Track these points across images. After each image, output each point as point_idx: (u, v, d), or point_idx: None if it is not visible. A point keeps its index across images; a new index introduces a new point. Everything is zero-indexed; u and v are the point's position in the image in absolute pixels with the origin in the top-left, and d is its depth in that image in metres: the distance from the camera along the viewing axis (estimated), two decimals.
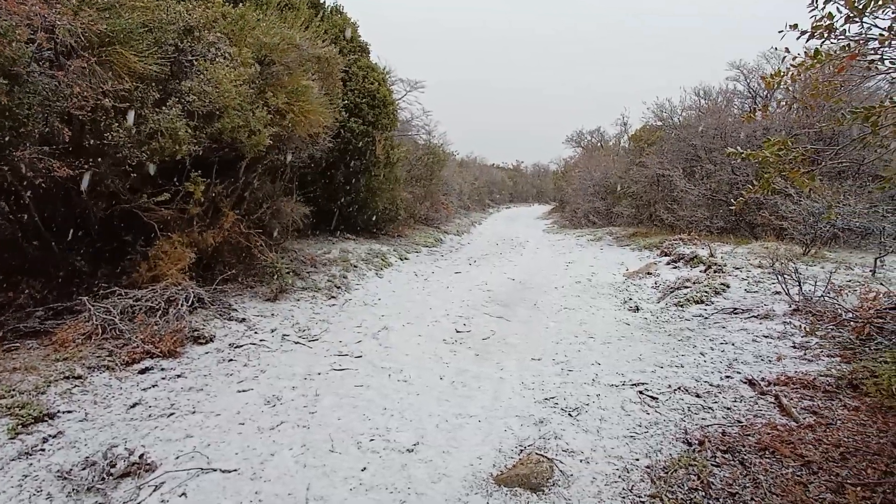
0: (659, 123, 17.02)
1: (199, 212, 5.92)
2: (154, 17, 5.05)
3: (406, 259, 10.71)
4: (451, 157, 21.08)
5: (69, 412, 3.47)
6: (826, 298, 5.55)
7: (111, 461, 3.02)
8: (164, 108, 4.97)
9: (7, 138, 4.08)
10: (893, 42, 2.29)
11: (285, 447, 3.39)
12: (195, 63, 5.33)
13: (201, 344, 4.74)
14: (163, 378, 4.12)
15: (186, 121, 5.09)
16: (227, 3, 6.76)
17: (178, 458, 3.17)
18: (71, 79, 4.29)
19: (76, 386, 3.73)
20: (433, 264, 10.94)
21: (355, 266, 8.65)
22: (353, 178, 11.13)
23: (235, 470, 3.09)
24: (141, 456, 3.07)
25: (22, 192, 4.57)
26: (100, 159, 4.73)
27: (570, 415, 3.80)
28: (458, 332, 5.98)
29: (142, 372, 4.10)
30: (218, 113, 5.52)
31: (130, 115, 4.60)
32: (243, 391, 4.15)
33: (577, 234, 17.74)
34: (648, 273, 8.74)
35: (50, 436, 3.21)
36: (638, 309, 6.79)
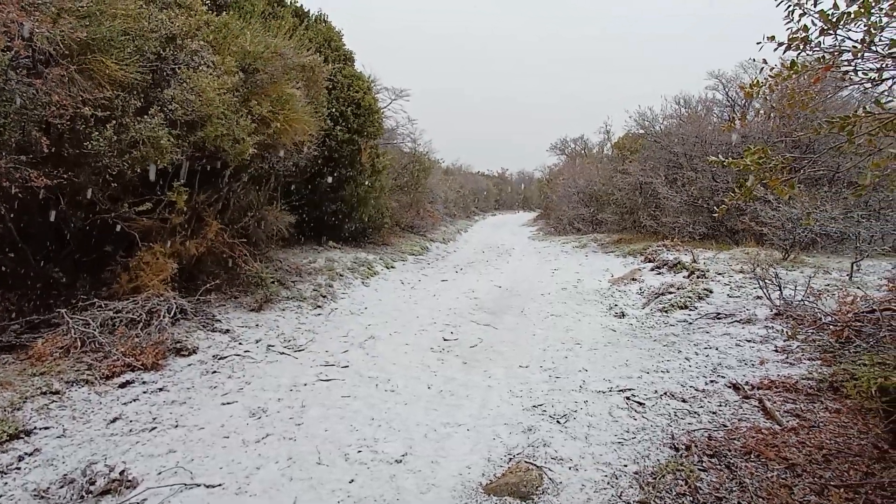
0: (641, 131, 17.30)
1: (182, 221, 5.83)
2: (136, 25, 5.00)
3: (392, 267, 10.67)
4: (436, 165, 21.14)
5: (46, 428, 3.37)
6: (806, 303, 5.66)
7: (90, 478, 2.93)
8: (145, 116, 4.90)
9: None
10: (866, 54, 2.36)
11: (271, 460, 3.33)
12: (178, 71, 5.28)
13: (184, 356, 4.65)
14: (144, 392, 4.03)
15: (169, 130, 5.03)
16: (210, 12, 6.72)
17: (160, 473, 3.09)
18: (49, 87, 4.22)
19: (53, 401, 3.63)
20: (419, 272, 10.92)
21: (341, 275, 8.59)
22: (339, 187, 11.08)
23: (220, 484, 3.02)
24: (122, 472, 2.99)
25: None
26: (79, 169, 4.64)
27: (558, 422, 3.80)
28: (445, 340, 5.96)
29: (122, 386, 4.00)
30: (201, 121, 5.46)
31: (111, 125, 4.52)
32: (227, 403, 4.08)
33: (563, 241, 17.88)
34: (633, 279, 8.84)
35: (26, 453, 3.10)
36: (623, 315, 6.85)
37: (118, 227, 5.35)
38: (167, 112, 5.08)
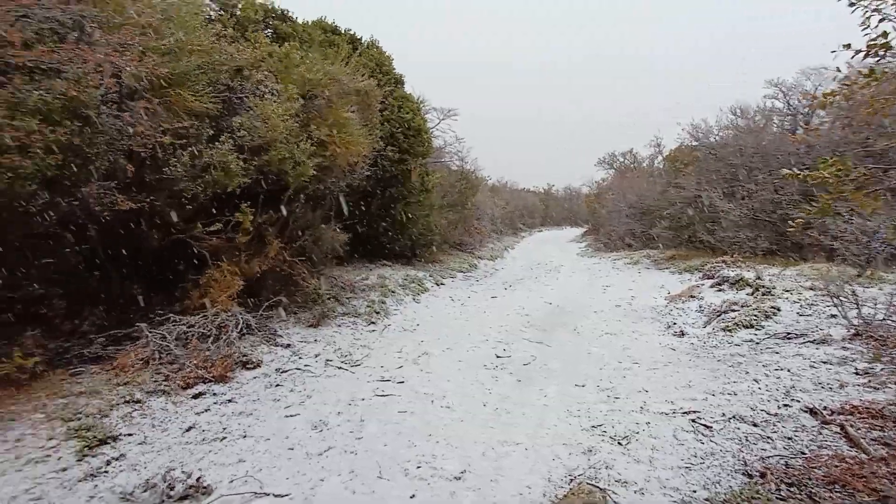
0: (695, 143, 16.75)
1: (246, 240, 6.15)
2: (209, 59, 5.39)
3: (442, 284, 10.77)
4: (483, 183, 21.23)
5: (130, 435, 3.61)
6: (889, 322, 5.26)
7: (170, 484, 3.10)
8: (216, 143, 5.25)
9: (76, 175, 4.38)
10: None
11: (334, 473, 3.42)
12: (245, 100, 5.63)
13: (249, 369, 4.87)
14: (215, 402, 4.24)
15: (237, 154, 5.35)
16: (272, 43, 7.15)
17: (232, 481, 3.24)
18: (135, 119, 4.60)
19: (136, 410, 3.89)
20: (469, 289, 10.95)
21: (393, 292, 8.76)
22: (390, 205, 11.35)
23: (287, 494, 3.13)
24: (198, 479, 3.15)
25: (87, 225, 4.87)
26: (158, 193, 5.01)
27: (619, 443, 3.70)
28: (498, 357, 5.94)
29: (195, 396, 4.24)
30: (266, 146, 5.78)
31: (187, 151, 4.87)
32: (291, 416, 4.23)
33: (613, 258, 17.45)
34: (692, 296, 8.50)
35: (113, 458, 3.33)
36: (683, 334, 6.59)
37: (190, 247, 5.71)
38: (236, 138, 5.42)
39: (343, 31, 11.25)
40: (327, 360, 5.50)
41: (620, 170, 32.91)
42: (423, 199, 12.08)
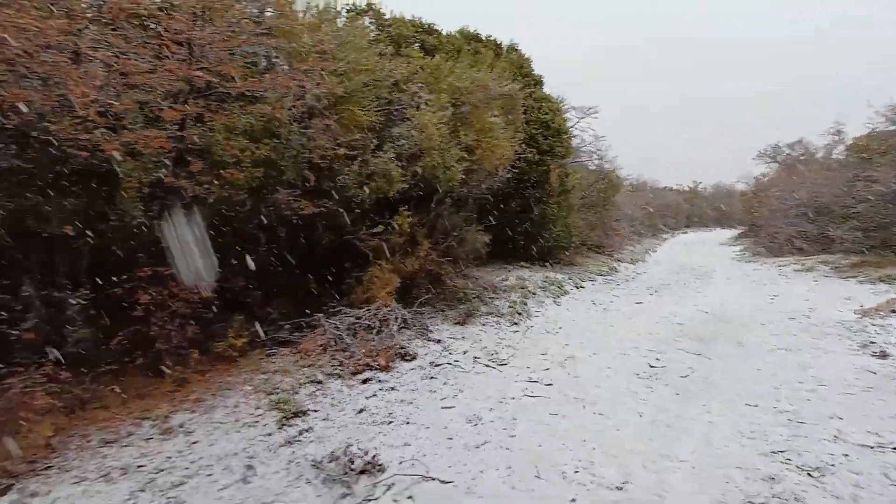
0: (892, 128, 13.98)
1: (401, 241, 6.63)
2: (373, 76, 5.93)
3: (582, 287, 10.48)
4: (623, 182, 20.12)
5: (315, 411, 4.14)
6: None
7: (350, 458, 3.49)
8: (379, 152, 5.75)
9: (270, 184, 5.14)
10: None
11: (492, 467, 3.54)
12: (404, 112, 6.08)
13: (407, 361, 5.26)
14: (380, 389, 4.66)
15: (396, 163, 5.80)
16: (424, 56, 7.61)
17: (401, 463, 3.53)
18: (316, 134, 5.26)
19: (318, 389, 4.44)
20: (610, 293, 10.49)
21: (533, 293, 8.76)
22: (528, 207, 11.36)
23: (452, 482, 3.32)
24: (373, 457, 3.50)
25: (276, 227, 5.67)
26: (331, 198, 5.64)
27: (810, 475, 3.27)
28: (651, 367, 5.61)
29: (364, 382, 4.70)
30: (420, 153, 6.18)
31: (356, 161, 5.42)
32: (446, 408, 4.47)
33: (779, 263, 15.36)
34: (893, 311, 7.15)
35: (304, 430, 3.85)
36: (886, 355, 5.57)
37: (353, 247, 6.34)
38: (395, 147, 5.88)
39: (484, 38, 11.54)
40: (475, 358, 5.70)
41: (786, 163, 28.76)
42: (562, 200, 11.88)
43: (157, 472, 3.17)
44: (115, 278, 3.95)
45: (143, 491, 3.01)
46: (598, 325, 7.64)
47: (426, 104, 6.31)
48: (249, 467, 3.35)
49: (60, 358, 3.47)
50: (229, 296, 5.11)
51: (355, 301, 5.97)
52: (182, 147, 4.17)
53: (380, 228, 6.00)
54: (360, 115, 5.52)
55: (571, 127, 14.42)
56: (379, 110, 6.04)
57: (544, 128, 11.20)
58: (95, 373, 3.74)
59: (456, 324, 6.73)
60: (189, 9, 3.98)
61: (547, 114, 11.29)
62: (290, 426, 3.85)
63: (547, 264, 11.88)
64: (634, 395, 4.80)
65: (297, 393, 4.30)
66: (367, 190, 5.64)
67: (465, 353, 5.83)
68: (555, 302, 8.77)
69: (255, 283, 5.55)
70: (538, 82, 12.03)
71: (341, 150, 5.27)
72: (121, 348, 3.92)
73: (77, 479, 3.02)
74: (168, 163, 4.11)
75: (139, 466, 3.22)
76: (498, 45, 11.58)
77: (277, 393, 4.19)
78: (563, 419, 4.27)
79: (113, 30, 3.96)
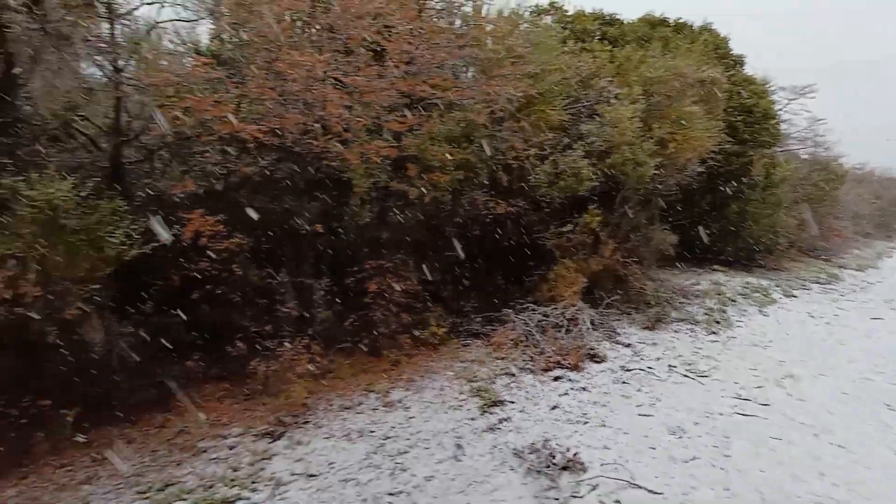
0: None
1: (585, 240, 6.50)
2: (563, 75, 5.92)
3: (793, 296, 9.01)
4: (847, 173, 16.55)
5: (511, 402, 4.32)
6: None
7: (550, 452, 3.57)
8: (569, 151, 5.72)
9: (468, 185, 5.48)
10: None
11: (704, 484, 3.30)
12: (594, 108, 5.96)
13: (597, 362, 5.15)
14: (571, 388, 4.66)
15: (586, 160, 5.71)
16: (609, 49, 7.33)
17: (602, 465, 3.49)
18: (508, 136, 5.45)
19: (512, 382, 4.63)
20: (832, 305, 8.83)
21: (732, 300, 7.83)
22: (722, 204, 10.19)
23: (661, 493, 3.18)
24: (574, 455, 3.52)
25: (469, 226, 6.02)
26: (520, 198, 5.80)
27: None
28: None
29: (555, 379, 4.75)
30: (610, 150, 5.99)
31: (548, 161, 5.49)
32: (643, 416, 4.27)
33: None
34: None
35: (503, 419, 4.05)
36: None
37: (536, 245, 6.41)
38: (586, 145, 5.79)
39: (672, 22, 10.63)
40: (670, 366, 5.33)
41: None
42: (767, 195, 10.36)
43: (385, 439, 3.66)
44: (346, 269, 4.65)
45: (375, 454, 3.50)
46: (821, 341, 6.52)
47: (616, 98, 6.07)
48: (459, 446, 3.65)
49: (313, 333, 4.22)
50: (431, 289, 5.60)
51: (539, 298, 6.04)
52: (399, 155, 4.69)
53: (568, 227, 5.97)
54: (551, 114, 5.57)
55: (780, 110, 12.44)
56: (567, 108, 6.02)
57: (746, 114, 9.89)
58: (334, 349, 4.45)
59: (644, 328, 6.35)
60: (407, 31, 4.46)
61: (750, 97, 9.95)
62: (490, 413, 4.09)
63: (745, 268, 10.50)
64: (887, 429, 4.03)
65: (493, 383, 4.53)
66: (556, 189, 5.66)
67: (658, 359, 5.49)
68: (760, 311, 7.71)
69: (449, 277, 5.99)
70: (738, 62, 10.68)
71: (532, 151, 5.37)
72: (352, 329, 4.60)
73: (327, 435, 3.64)
74: (389, 169, 4.68)
75: (370, 432, 3.74)
76: (687, 27, 10.56)
77: (476, 381, 4.48)
78: (790, 446, 3.78)
79: (345, 55, 4.65)
